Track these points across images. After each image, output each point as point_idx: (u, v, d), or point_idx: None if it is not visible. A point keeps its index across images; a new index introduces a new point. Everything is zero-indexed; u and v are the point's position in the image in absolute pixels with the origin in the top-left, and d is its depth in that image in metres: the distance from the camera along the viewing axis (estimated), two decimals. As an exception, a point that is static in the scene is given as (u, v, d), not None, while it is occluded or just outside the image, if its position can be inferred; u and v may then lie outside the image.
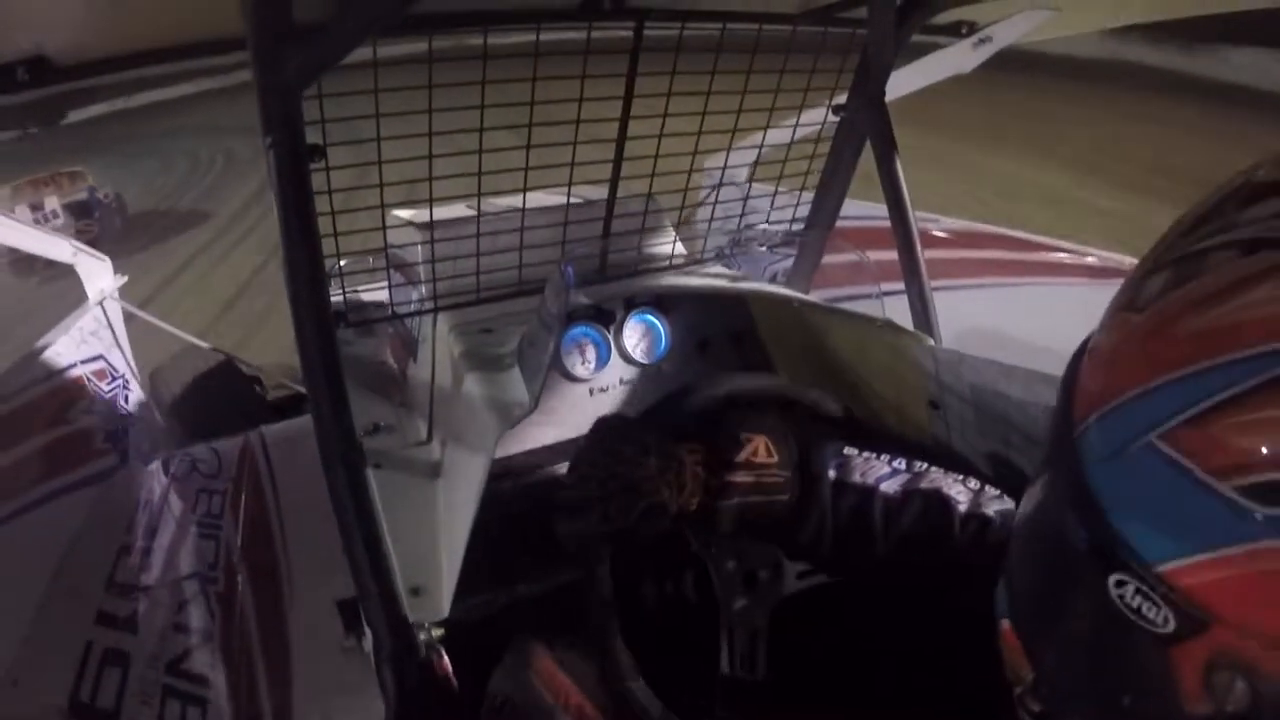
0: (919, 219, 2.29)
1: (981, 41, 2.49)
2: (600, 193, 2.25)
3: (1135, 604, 0.70)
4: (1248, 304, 0.66)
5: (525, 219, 2.10)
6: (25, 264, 10.54)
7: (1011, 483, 1.81)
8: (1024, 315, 3.16)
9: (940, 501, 1.48)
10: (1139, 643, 0.71)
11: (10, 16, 1.51)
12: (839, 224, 2.50)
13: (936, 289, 2.25)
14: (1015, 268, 3.35)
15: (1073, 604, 0.81)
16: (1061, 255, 3.29)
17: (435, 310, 2.14)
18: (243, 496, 2.38)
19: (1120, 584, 0.71)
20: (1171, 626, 0.68)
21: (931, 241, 2.40)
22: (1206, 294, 0.69)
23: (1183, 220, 0.79)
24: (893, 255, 2.26)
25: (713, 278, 2.38)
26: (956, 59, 2.59)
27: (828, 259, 2.51)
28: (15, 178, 13.81)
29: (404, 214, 2.30)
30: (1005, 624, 0.93)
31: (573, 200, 2.17)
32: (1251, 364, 0.63)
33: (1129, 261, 3.05)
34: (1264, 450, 0.62)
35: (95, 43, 1.80)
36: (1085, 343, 0.85)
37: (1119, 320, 0.78)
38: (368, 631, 1.68)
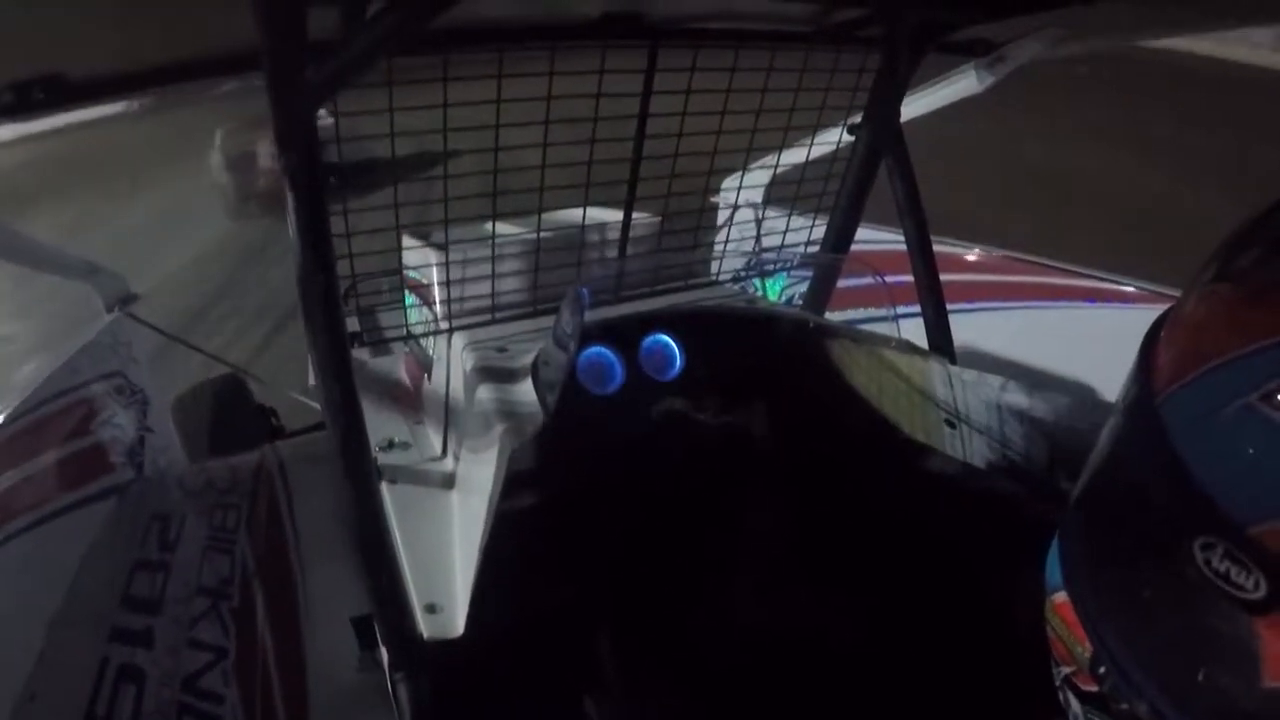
0: (934, 241, 2.29)
1: (997, 61, 2.50)
2: (615, 214, 2.25)
3: (1223, 568, 0.68)
4: None
5: (540, 240, 2.11)
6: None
7: (1025, 500, 1.82)
8: (1041, 337, 3.17)
9: None
10: (1223, 611, 0.69)
11: (25, 35, 1.51)
12: (855, 247, 2.50)
13: (952, 311, 2.25)
14: (1031, 291, 3.35)
15: (1150, 571, 0.78)
16: (1075, 279, 3.29)
17: (450, 330, 2.15)
18: (259, 512, 2.38)
19: (1207, 547, 0.69)
20: (1262, 592, 0.66)
21: (946, 264, 2.39)
22: None
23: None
24: (907, 278, 2.26)
25: (728, 299, 2.39)
26: (971, 79, 2.59)
27: (843, 281, 2.52)
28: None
29: (419, 235, 2.32)
30: (1059, 597, 0.91)
31: (587, 221, 2.18)
32: None
33: (1143, 286, 3.05)
34: None
35: (111, 62, 1.82)
36: (1161, 319, 0.85)
37: (1207, 292, 0.78)
38: (383, 649, 1.69)
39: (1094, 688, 0.87)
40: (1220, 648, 0.71)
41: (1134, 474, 0.80)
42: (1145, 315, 0.86)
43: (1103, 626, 0.85)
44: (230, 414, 3.71)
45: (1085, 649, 0.87)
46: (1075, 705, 0.91)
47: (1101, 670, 0.86)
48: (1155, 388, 0.77)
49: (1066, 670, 0.92)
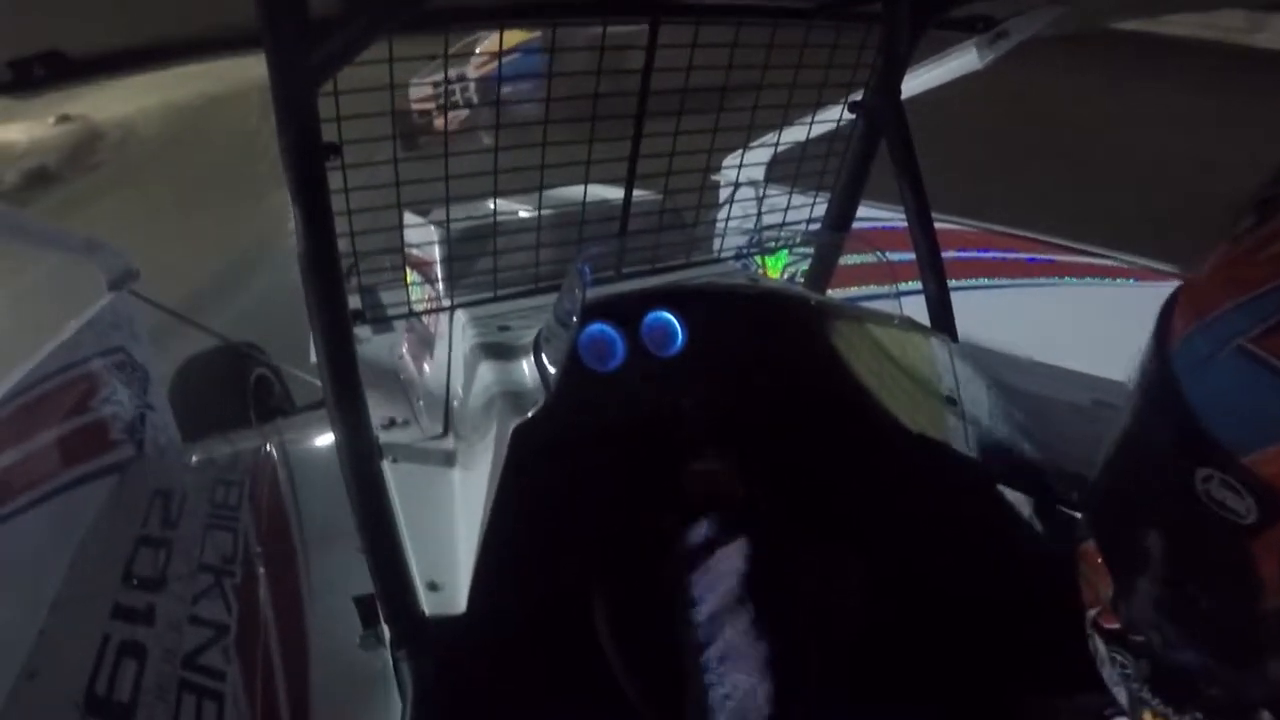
0: (935, 219, 2.28)
1: (998, 37, 2.49)
2: (616, 192, 2.25)
3: (1219, 496, 0.75)
4: None
5: (541, 217, 2.11)
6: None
7: (1026, 476, 1.83)
8: (1039, 314, 3.17)
9: None
10: (1222, 536, 0.76)
11: (25, 12, 1.51)
12: (856, 225, 2.50)
13: (953, 289, 2.25)
14: (1034, 269, 3.35)
15: (1158, 505, 0.86)
16: (1075, 256, 3.28)
17: (452, 308, 2.15)
18: (261, 489, 2.38)
19: (1206, 478, 0.76)
20: (1254, 516, 0.73)
21: (948, 241, 2.39)
22: None
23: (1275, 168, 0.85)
24: (909, 256, 2.26)
25: (729, 277, 2.38)
26: (972, 55, 2.59)
27: (845, 260, 2.52)
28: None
29: (420, 213, 2.31)
30: (1088, 545, 0.98)
31: (589, 199, 2.17)
32: None
33: (1141, 262, 3.05)
34: None
35: (111, 38, 1.81)
36: (1179, 290, 0.90)
37: (1215, 253, 0.85)
38: (385, 627, 1.69)
39: (1116, 625, 0.94)
40: (1222, 572, 0.80)
41: (1149, 421, 0.87)
42: (1149, 291, 0.91)
43: (1122, 563, 0.93)
44: (230, 385, 3.73)
45: (1109, 588, 0.94)
46: (1101, 646, 0.98)
47: (1122, 604, 0.93)
48: (1170, 340, 0.84)
49: (1093, 612, 0.98)
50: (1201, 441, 0.77)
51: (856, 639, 1.67)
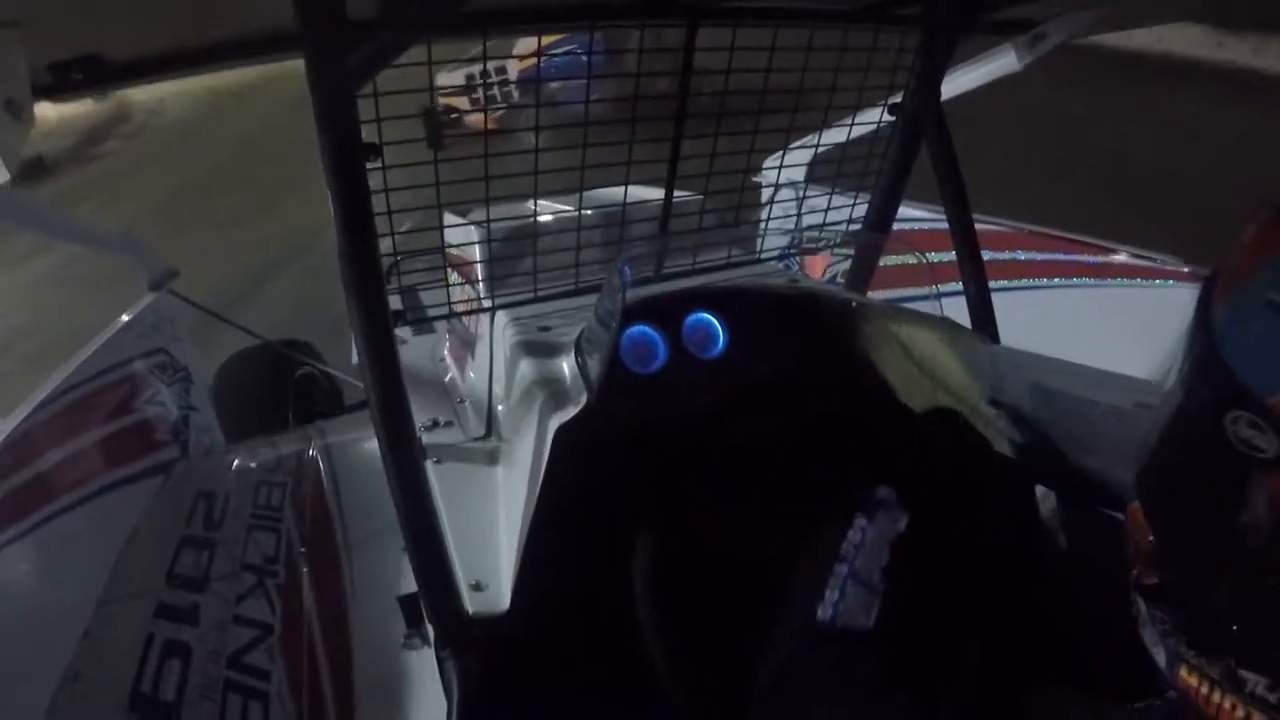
0: (975, 220, 2.28)
1: (1037, 39, 2.48)
2: (656, 192, 2.25)
3: (1246, 435, 0.83)
4: None
5: (582, 219, 2.11)
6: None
7: (1066, 478, 1.82)
8: (1081, 316, 3.15)
9: None
10: (1248, 473, 0.83)
11: (64, 15, 1.52)
12: (897, 226, 2.49)
13: (994, 290, 2.24)
14: (1074, 269, 3.33)
15: (1194, 453, 0.93)
16: (1119, 257, 3.26)
17: (493, 309, 2.15)
18: (304, 490, 2.39)
19: (1235, 420, 0.84)
20: (1275, 449, 0.81)
21: (989, 242, 2.38)
22: None
23: None
24: (950, 257, 2.25)
25: (770, 278, 2.38)
26: (1011, 58, 2.58)
27: (885, 260, 2.51)
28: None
29: (460, 213, 2.32)
30: (1133, 506, 1.04)
31: (629, 200, 2.17)
32: None
33: (1188, 266, 3.03)
34: None
35: (148, 42, 1.82)
36: (1213, 278, 0.96)
37: (1246, 232, 0.91)
38: (429, 626, 1.70)
39: (1155, 580, 1.01)
40: (1250, 509, 0.85)
41: (1192, 380, 0.94)
42: (1190, 294, 0.94)
43: (1162, 514, 1.00)
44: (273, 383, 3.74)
45: (1151, 544, 1.00)
46: (1142, 606, 1.03)
47: (1162, 557, 1.00)
48: (1210, 309, 0.91)
49: (1136, 571, 1.04)
50: (1231, 386, 0.84)
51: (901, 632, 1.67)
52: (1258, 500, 0.83)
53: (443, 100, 8.82)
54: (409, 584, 1.70)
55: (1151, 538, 1.00)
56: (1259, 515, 0.84)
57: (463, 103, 8.58)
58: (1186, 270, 3.03)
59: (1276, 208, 0.90)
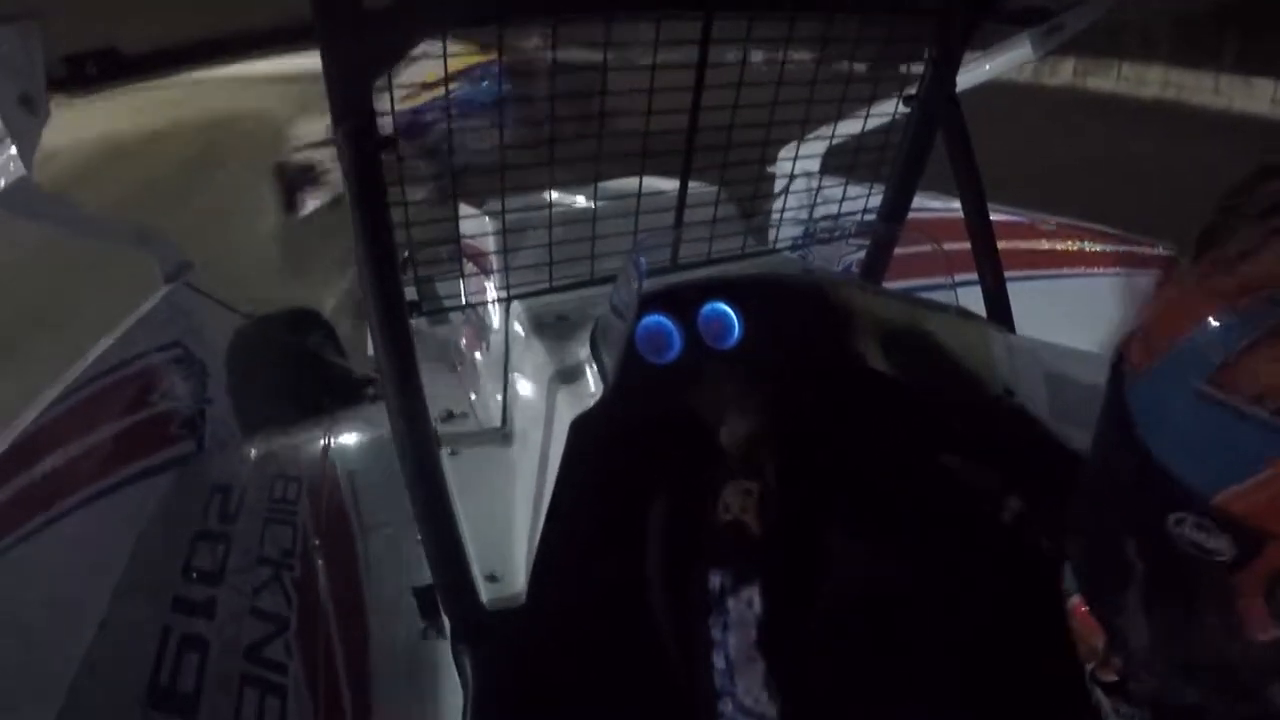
0: (991, 210, 2.27)
1: (1053, 29, 2.48)
2: (671, 183, 2.25)
3: (1195, 538, 0.77)
4: (1260, 260, 0.78)
5: (597, 209, 2.11)
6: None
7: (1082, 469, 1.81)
8: (1100, 306, 3.14)
9: None
10: (1202, 576, 0.79)
11: (81, 10, 1.53)
12: (912, 215, 2.49)
13: (1010, 279, 2.24)
14: (1090, 259, 3.32)
15: (1136, 553, 0.87)
16: (1135, 247, 3.25)
17: (508, 299, 2.15)
18: (319, 483, 2.40)
19: (1179, 522, 0.78)
20: (1231, 553, 0.75)
21: (1004, 232, 2.38)
22: (1226, 257, 0.80)
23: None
24: (965, 247, 2.24)
25: (785, 268, 2.38)
26: (1026, 48, 2.57)
27: (900, 250, 2.50)
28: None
29: (475, 204, 2.32)
30: (1075, 600, 1.01)
31: (644, 191, 2.17)
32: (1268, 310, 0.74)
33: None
34: None
35: (165, 35, 1.83)
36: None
37: (1158, 292, 0.91)
38: (445, 618, 1.70)
39: (1113, 676, 0.97)
40: (1207, 611, 0.81)
41: (1113, 469, 0.90)
42: None
43: (1110, 614, 0.95)
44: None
45: (1100, 640, 0.97)
46: (1103, 700, 0.99)
47: (1116, 656, 0.96)
48: (1123, 388, 0.87)
49: (1090, 666, 1.00)
50: (1168, 486, 0.78)
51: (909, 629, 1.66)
52: (1219, 601, 0.79)
53: (301, 156, 8.36)
54: (424, 576, 1.69)
55: (1103, 638, 0.97)
56: (1223, 616, 0.80)
57: (326, 159, 8.00)
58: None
59: (1196, 255, 0.86)
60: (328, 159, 7.70)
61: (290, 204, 8.42)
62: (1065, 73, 17.26)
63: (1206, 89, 15.76)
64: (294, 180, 8.32)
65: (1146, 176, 8.86)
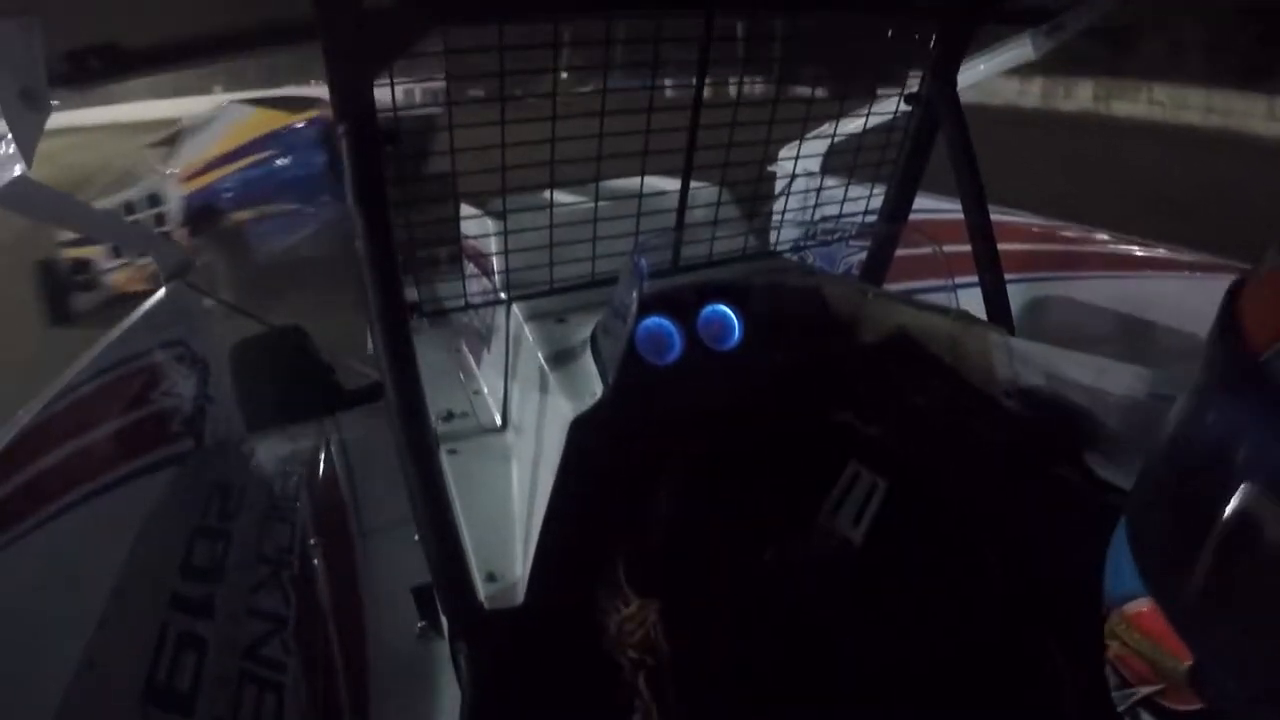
0: (991, 210, 2.27)
1: (1055, 29, 2.48)
2: (672, 184, 2.25)
3: None
4: None
5: (598, 210, 2.11)
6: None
7: (1082, 472, 1.80)
8: (1100, 308, 3.13)
9: None
10: None
11: (81, 5, 1.53)
12: (913, 217, 2.49)
13: (1010, 282, 2.24)
14: (1091, 261, 3.32)
15: (1268, 542, 0.71)
16: (1133, 249, 3.25)
17: (509, 300, 2.15)
18: (318, 481, 2.40)
19: None
20: None
21: (1005, 234, 2.37)
22: None
23: None
24: (966, 248, 2.24)
25: (786, 269, 2.38)
26: (1027, 47, 2.58)
27: (902, 251, 2.50)
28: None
29: (476, 204, 2.32)
30: (1136, 606, 0.86)
31: (645, 191, 2.17)
32: None
33: (1203, 257, 3.02)
34: None
35: (165, 31, 1.83)
36: (1237, 287, 0.82)
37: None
38: (443, 618, 1.70)
39: (1193, 705, 0.81)
40: None
41: (1236, 438, 0.74)
42: (1204, 286, 0.85)
43: (1213, 614, 0.78)
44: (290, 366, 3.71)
45: (1180, 660, 0.80)
46: None
47: (1213, 675, 0.79)
48: (1255, 347, 0.74)
49: (1146, 690, 0.86)
50: None
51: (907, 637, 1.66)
52: None
53: (71, 255, 7.56)
54: (423, 575, 1.70)
55: (1185, 658, 0.79)
56: None
57: (101, 256, 7.27)
58: (1204, 262, 3.02)
59: None
60: (101, 257, 7.08)
61: (58, 308, 7.63)
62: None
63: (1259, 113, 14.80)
64: (64, 282, 7.58)
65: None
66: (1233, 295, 0.82)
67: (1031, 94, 18.26)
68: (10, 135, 1.62)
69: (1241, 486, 0.72)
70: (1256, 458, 0.71)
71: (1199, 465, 0.79)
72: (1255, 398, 0.72)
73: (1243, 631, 0.75)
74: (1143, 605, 0.84)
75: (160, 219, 6.78)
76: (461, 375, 2.42)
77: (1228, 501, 0.73)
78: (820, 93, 2.19)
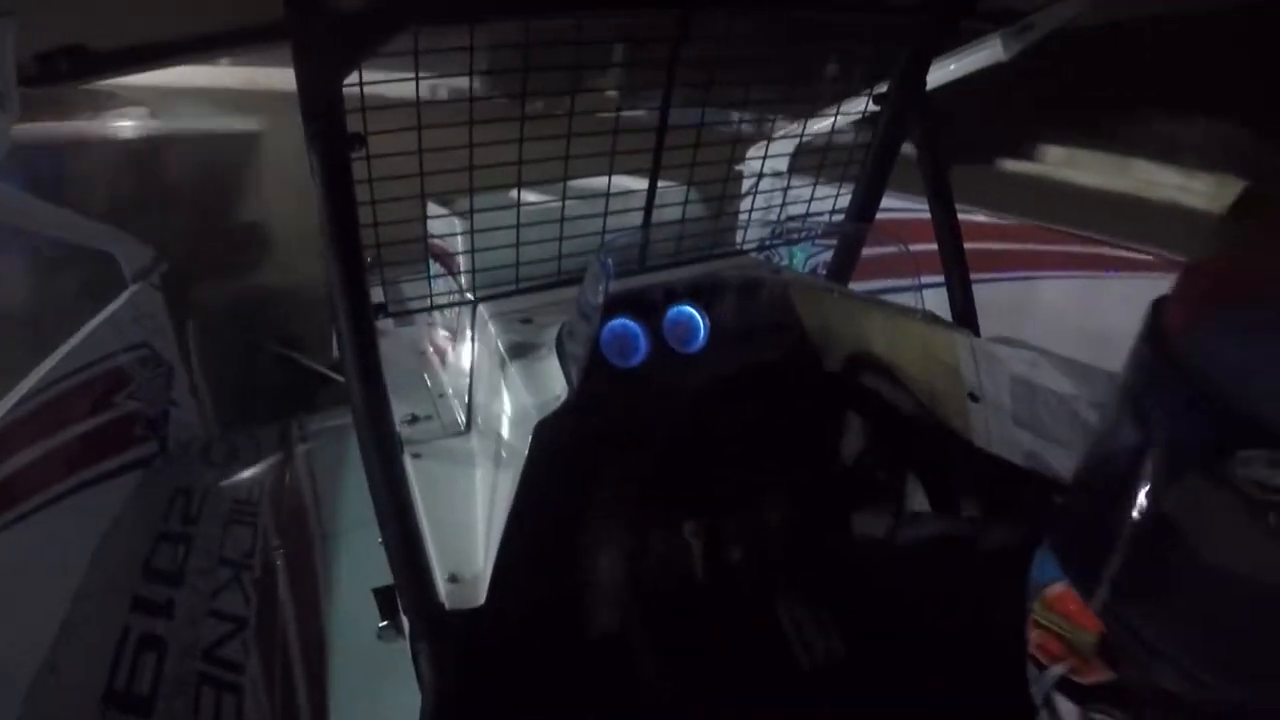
0: (959, 210, 2.27)
1: (1024, 29, 2.48)
2: (640, 182, 2.24)
3: (1264, 476, 0.65)
4: None
5: (565, 209, 2.10)
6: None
7: (1047, 475, 1.81)
8: (1063, 308, 3.15)
9: None
10: (1270, 518, 0.66)
11: (50, 6, 1.51)
12: (880, 216, 2.49)
13: (976, 281, 2.24)
14: (1057, 261, 3.33)
15: (1180, 513, 0.73)
16: (1099, 248, 3.27)
17: (475, 301, 2.14)
18: (281, 485, 2.39)
19: (1247, 461, 0.66)
20: None
21: (972, 233, 2.38)
22: None
23: None
24: (933, 248, 2.24)
25: (753, 268, 2.37)
26: (997, 47, 2.58)
27: (868, 251, 2.50)
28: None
29: (443, 203, 2.31)
30: (1055, 590, 0.90)
31: (612, 190, 2.16)
32: None
33: (1166, 255, 3.03)
34: None
35: (134, 32, 1.81)
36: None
37: (1217, 249, 0.79)
38: (404, 619, 1.69)
39: (1102, 676, 0.85)
40: (1271, 563, 0.69)
41: (1153, 417, 0.77)
42: (1168, 285, 0.84)
43: (1127, 588, 0.79)
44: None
45: (1091, 633, 0.85)
46: (1073, 710, 0.88)
47: (1119, 646, 0.83)
48: (1177, 333, 0.76)
49: (1060, 669, 0.89)
50: (1242, 424, 0.67)
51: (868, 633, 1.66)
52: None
53: None
54: (384, 576, 1.69)
55: (1095, 630, 0.84)
56: None
57: None
58: (1165, 260, 3.04)
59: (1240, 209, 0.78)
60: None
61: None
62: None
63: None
64: None
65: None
66: (1159, 299, 0.83)
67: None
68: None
69: (1147, 458, 0.75)
70: (1163, 435, 0.74)
71: (1111, 450, 0.82)
72: (1161, 375, 0.76)
73: (1153, 601, 0.78)
74: (1059, 587, 0.89)
75: None
76: (426, 377, 2.41)
77: (1136, 477, 0.76)
78: (789, 92, 2.19)
